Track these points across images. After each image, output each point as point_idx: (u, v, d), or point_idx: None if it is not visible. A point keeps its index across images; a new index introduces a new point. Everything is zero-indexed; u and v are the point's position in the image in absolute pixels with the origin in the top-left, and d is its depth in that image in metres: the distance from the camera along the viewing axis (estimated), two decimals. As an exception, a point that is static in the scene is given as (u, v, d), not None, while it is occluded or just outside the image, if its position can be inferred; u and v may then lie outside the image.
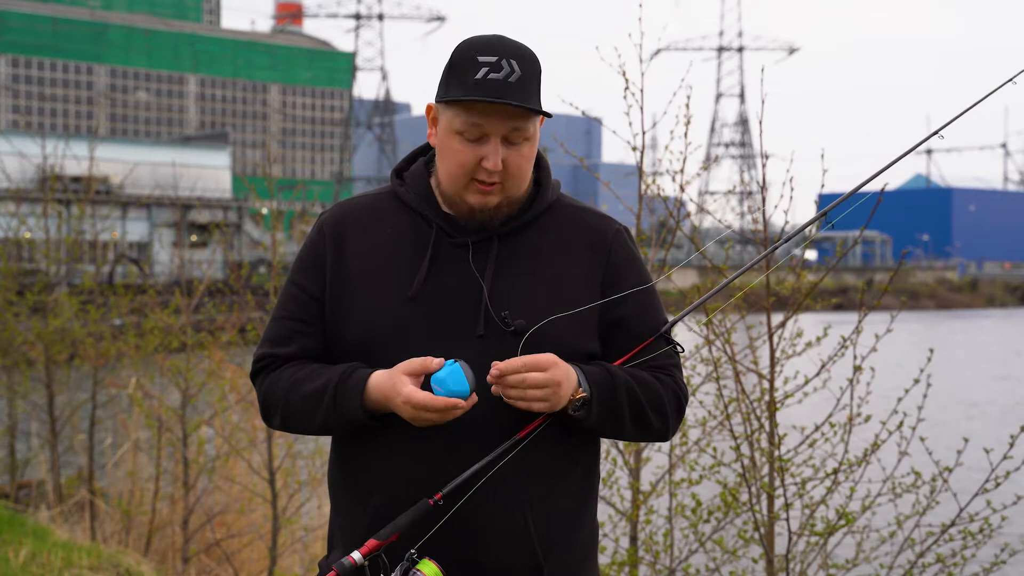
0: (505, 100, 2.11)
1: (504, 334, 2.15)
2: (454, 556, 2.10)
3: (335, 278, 2.25)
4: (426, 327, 2.17)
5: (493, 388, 2.09)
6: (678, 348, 2.32)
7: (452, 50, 2.20)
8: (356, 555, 2.06)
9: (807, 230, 2.52)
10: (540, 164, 2.33)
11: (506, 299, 2.18)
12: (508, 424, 2.13)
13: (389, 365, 2.14)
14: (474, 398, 2.08)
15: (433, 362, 2.08)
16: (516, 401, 2.09)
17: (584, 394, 2.13)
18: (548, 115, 2.21)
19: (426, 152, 2.35)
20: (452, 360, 2.08)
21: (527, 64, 2.16)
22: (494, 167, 2.14)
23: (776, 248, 2.60)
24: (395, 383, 2.09)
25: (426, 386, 2.10)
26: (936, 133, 2.46)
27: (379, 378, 2.13)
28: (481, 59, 2.13)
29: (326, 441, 2.31)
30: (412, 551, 2.06)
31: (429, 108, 2.26)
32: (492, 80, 2.11)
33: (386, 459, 2.18)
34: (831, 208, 2.39)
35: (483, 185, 2.17)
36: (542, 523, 2.17)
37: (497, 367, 2.08)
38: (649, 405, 2.22)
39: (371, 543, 2.07)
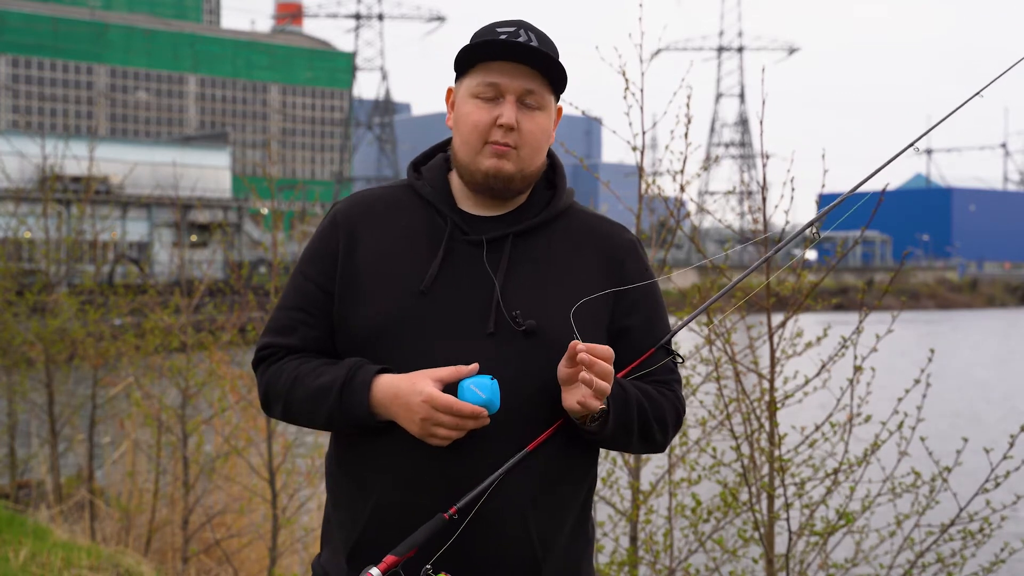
0: (521, 47, 2.14)
1: (514, 333, 2.13)
2: (455, 555, 2.09)
3: (345, 269, 2.22)
4: (435, 322, 2.15)
5: (580, 355, 2.01)
6: (678, 359, 2.30)
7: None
8: (375, 571, 2.02)
9: (808, 231, 2.51)
10: (555, 168, 2.34)
11: (517, 299, 2.17)
12: (516, 432, 2.12)
13: (396, 358, 2.13)
14: (487, 421, 2.05)
15: (465, 368, 2.06)
16: (580, 385, 2.04)
17: (603, 406, 2.11)
18: (564, 75, 2.21)
19: (446, 148, 2.34)
20: (489, 375, 2.05)
21: (546, 41, 2.22)
22: (508, 121, 2.15)
23: (778, 250, 2.59)
24: (415, 382, 2.06)
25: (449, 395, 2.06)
26: (929, 131, 2.46)
27: (390, 378, 2.10)
28: (500, 30, 2.20)
29: (326, 437, 2.30)
30: (428, 566, 2.05)
31: (449, 92, 2.28)
32: (511, 43, 2.17)
33: (389, 458, 2.15)
34: (830, 209, 2.38)
35: (497, 146, 2.17)
36: (543, 525, 2.16)
37: (586, 347, 2.03)
38: (656, 421, 2.21)
39: (389, 559, 2.04)
